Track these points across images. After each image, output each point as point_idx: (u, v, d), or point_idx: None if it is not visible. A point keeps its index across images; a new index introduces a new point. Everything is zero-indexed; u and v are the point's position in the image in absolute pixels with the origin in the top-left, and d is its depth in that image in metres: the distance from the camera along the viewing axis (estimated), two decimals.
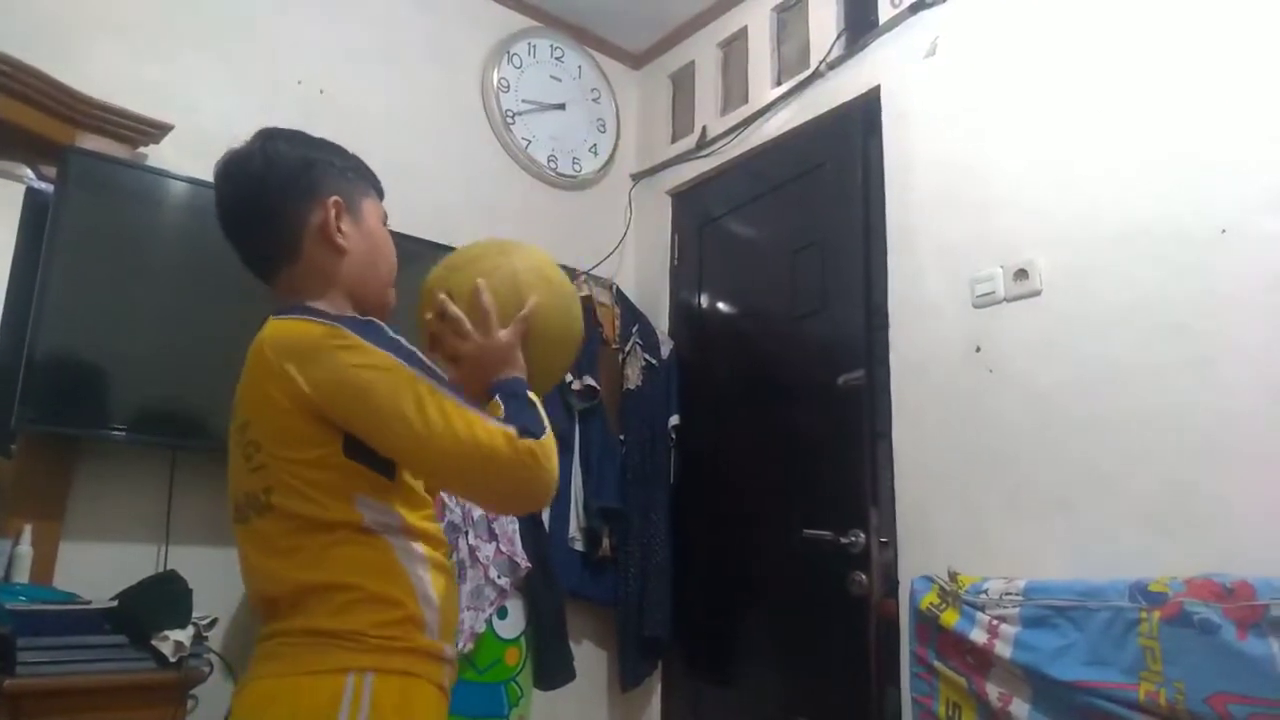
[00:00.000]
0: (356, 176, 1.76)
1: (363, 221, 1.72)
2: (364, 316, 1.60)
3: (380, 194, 1.81)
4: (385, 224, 1.79)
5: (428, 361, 1.52)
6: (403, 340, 1.53)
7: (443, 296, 1.69)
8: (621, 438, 3.98)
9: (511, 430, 1.45)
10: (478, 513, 3.12)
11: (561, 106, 4.43)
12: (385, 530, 1.53)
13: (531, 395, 1.61)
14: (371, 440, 1.48)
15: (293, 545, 1.49)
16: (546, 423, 1.53)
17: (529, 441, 1.45)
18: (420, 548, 1.58)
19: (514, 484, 1.48)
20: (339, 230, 1.66)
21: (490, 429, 1.44)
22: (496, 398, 1.59)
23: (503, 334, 1.67)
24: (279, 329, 1.53)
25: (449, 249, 3.53)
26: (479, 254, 1.79)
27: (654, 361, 4.02)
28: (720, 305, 4.12)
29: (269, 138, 1.70)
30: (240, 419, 1.57)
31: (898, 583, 3.01)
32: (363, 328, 1.53)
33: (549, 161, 4.31)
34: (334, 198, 1.67)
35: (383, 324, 1.57)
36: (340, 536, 1.49)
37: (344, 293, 1.67)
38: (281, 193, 1.64)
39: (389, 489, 1.55)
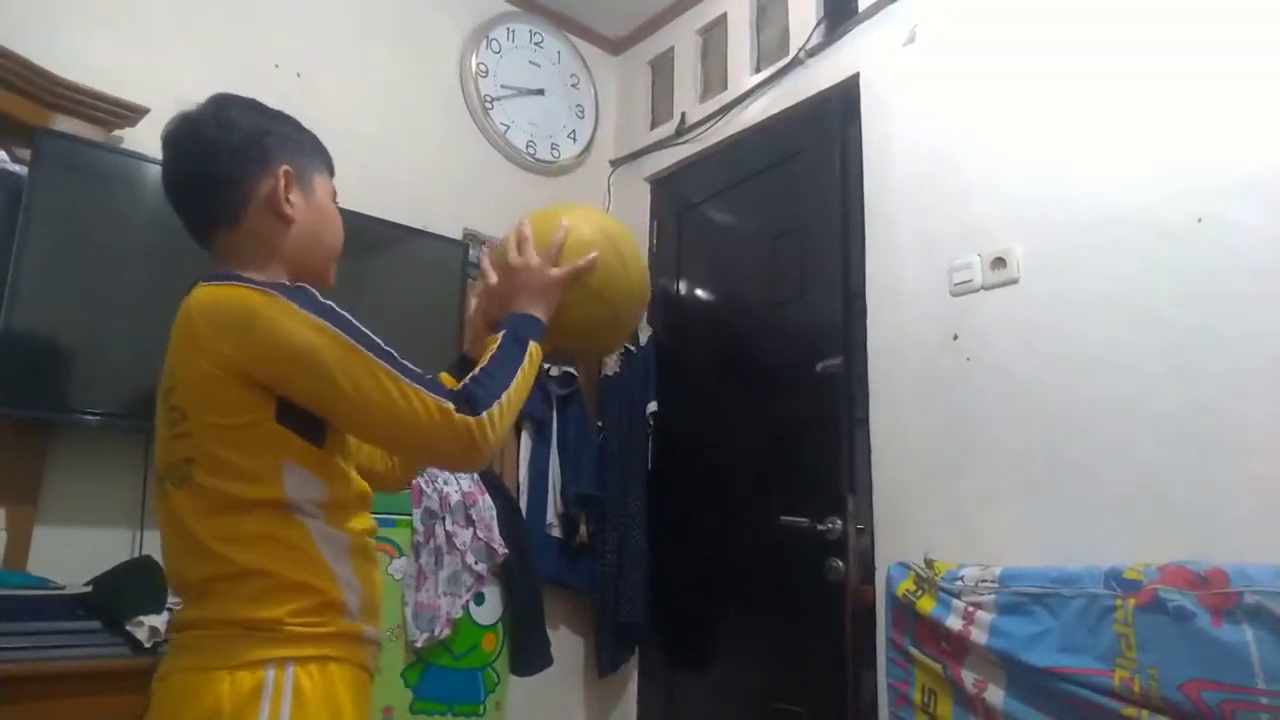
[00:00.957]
0: (310, 150, 1.75)
1: (312, 194, 1.71)
2: (298, 284, 1.57)
3: (331, 171, 1.81)
4: (335, 201, 1.79)
5: (362, 328, 1.51)
6: (335, 306, 1.52)
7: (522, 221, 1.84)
8: (599, 424, 3.98)
9: (449, 405, 1.47)
10: (455, 499, 3.12)
11: (540, 92, 4.41)
12: (304, 510, 1.51)
13: (531, 345, 1.66)
14: (308, 403, 1.49)
15: (209, 524, 1.47)
16: (510, 384, 1.57)
17: (465, 418, 1.47)
18: (338, 532, 1.56)
19: (445, 456, 1.55)
20: (287, 200, 1.65)
21: (427, 403, 1.46)
22: (501, 332, 1.66)
23: (550, 269, 1.76)
24: (208, 296, 1.52)
25: (426, 234, 3.57)
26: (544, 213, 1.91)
27: (632, 348, 4.01)
28: (699, 292, 4.11)
29: (223, 104, 1.69)
30: (166, 385, 1.56)
31: (874, 569, 3.01)
32: (294, 293, 1.51)
33: (528, 147, 4.29)
34: (284, 167, 1.65)
35: (314, 290, 1.55)
36: (258, 517, 1.48)
37: (283, 263, 1.66)
38: (231, 159, 1.62)
39: (318, 458, 1.54)
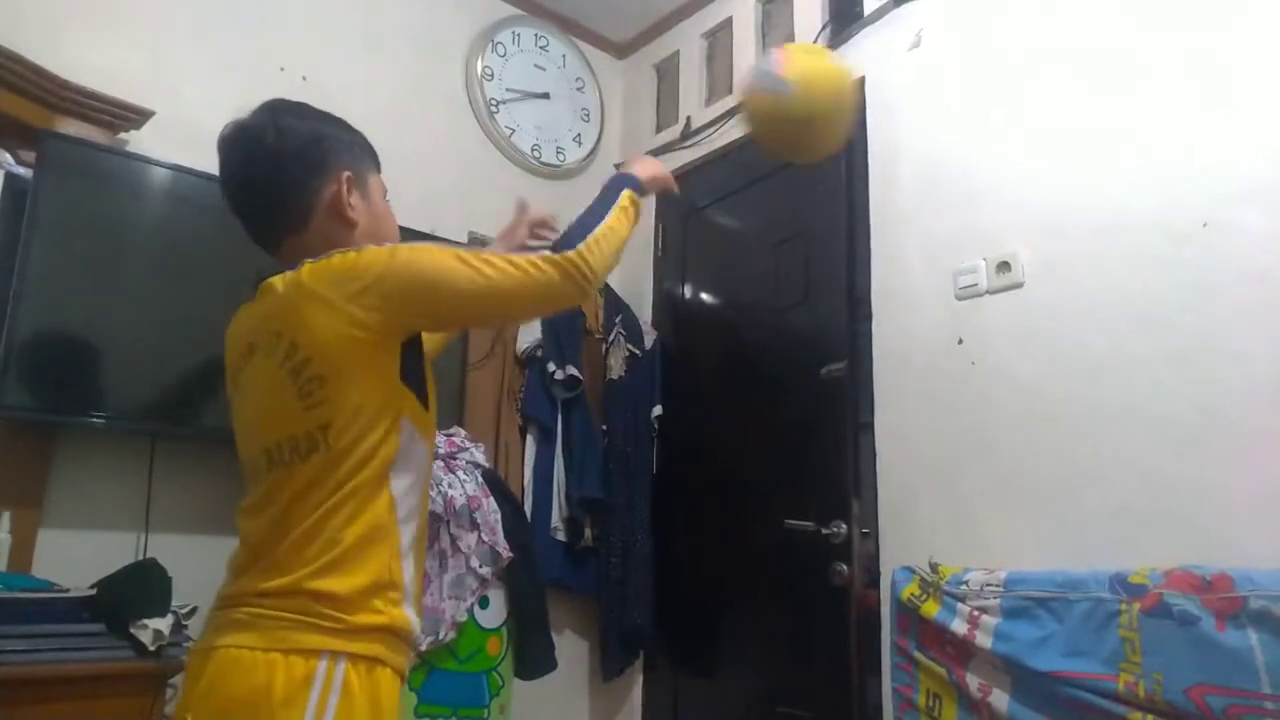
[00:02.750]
0: (361, 151, 1.81)
1: (369, 195, 1.78)
2: None
3: (380, 169, 1.87)
4: (386, 198, 1.86)
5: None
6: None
7: None
8: (604, 428, 3.97)
9: (547, 253, 1.64)
10: (460, 502, 3.11)
11: (546, 96, 4.42)
12: (400, 485, 1.61)
13: (625, 192, 1.84)
14: (441, 312, 1.66)
15: (325, 490, 1.53)
16: (601, 222, 1.74)
17: (561, 256, 1.63)
18: (414, 521, 1.66)
19: (563, 295, 1.67)
20: (349, 204, 1.71)
21: (519, 260, 1.61)
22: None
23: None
24: (319, 268, 1.59)
25: (431, 237, 3.57)
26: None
27: (637, 352, 4.01)
28: (704, 296, 4.11)
29: (278, 111, 1.73)
30: (301, 356, 1.56)
31: (879, 573, 3.01)
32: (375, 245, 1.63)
33: (533, 151, 4.30)
34: (346, 172, 1.72)
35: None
36: (365, 490, 1.55)
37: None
38: (295, 166, 1.68)
39: (423, 418, 1.66)
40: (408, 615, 1.60)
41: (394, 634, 1.57)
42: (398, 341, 1.60)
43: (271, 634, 1.46)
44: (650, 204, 4.33)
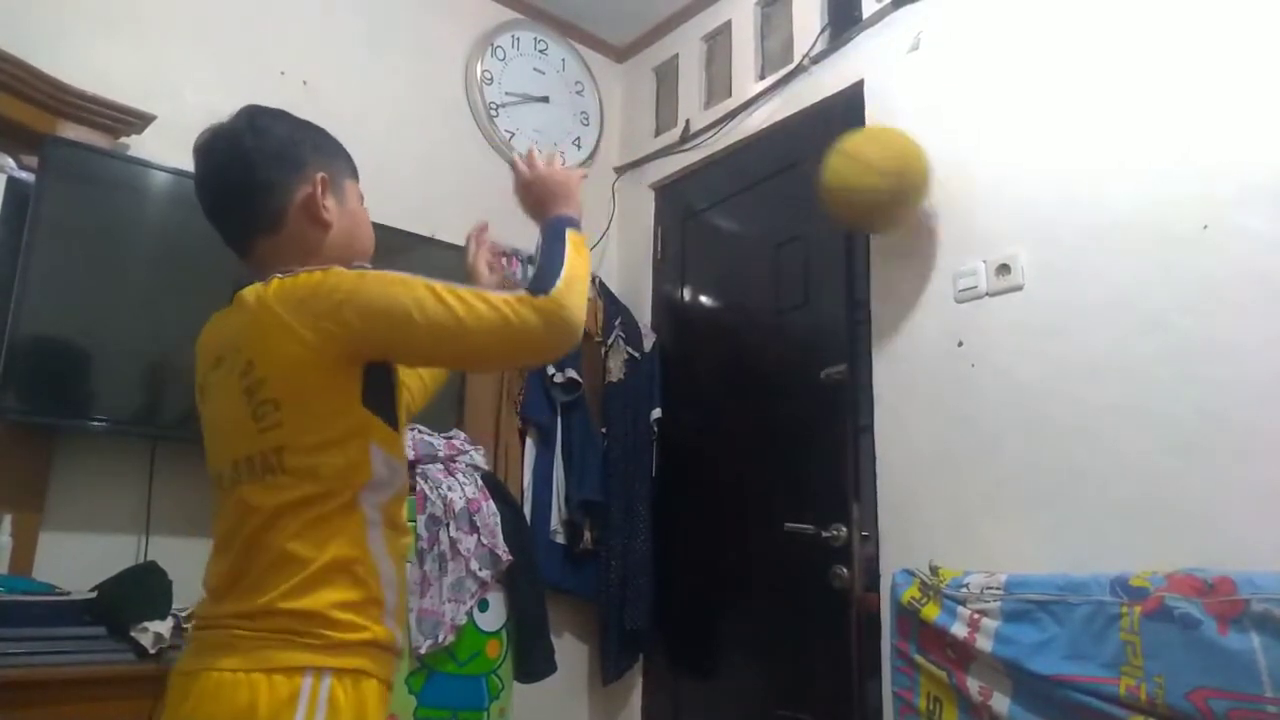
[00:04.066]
0: (339, 157, 1.81)
1: (345, 199, 1.77)
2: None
3: (357, 176, 1.85)
4: (363, 204, 1.84)
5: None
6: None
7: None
8: (604, 431, 3.97)
9: (522, 294, 1.54)
10: (459, 505, 3.11)
11: (545, 99, 4.42)
12: (369, 503, 1.57)
13: (568, 232, 1.73)
14: (407, 349, 1.59)
15: (287, 513, 1.51)
16: (564, 262, 1.63)
17: (538, 299, 1.54)
18: (392, 532, 1.63)
19: (541, 342, 1.58)
20: (323, 205, 1.70)
21: (495, 299, 1.53)
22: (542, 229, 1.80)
23: (559, 171, 1.91)
24: (284, 286, 1.56)
25: (431, 241, 3.57)
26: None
27: (636, 354, 4.01)
28: (703, 299, 4.12)
29: (255, 114, 1.74)
30: (249, 380, 1.56)
31: (879, 576, 3.01)
32: (354, 268, 1.59)
33: None
34: (320, 173, 1.71)
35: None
36: (331, 508, 1.53)
37: (321, 265, 1.67)
38: (269, 166, 1.68)
39: (395, 442, 1.63)
40: (389, 630, 1.59)
41: (377, 647, 1.56)
42: (359, 366, 1.58)
43: (253, 655, 1.45)
44: (649, 206, 4.35)
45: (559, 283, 1.57)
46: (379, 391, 1.60)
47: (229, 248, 1.74)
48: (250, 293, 1.59)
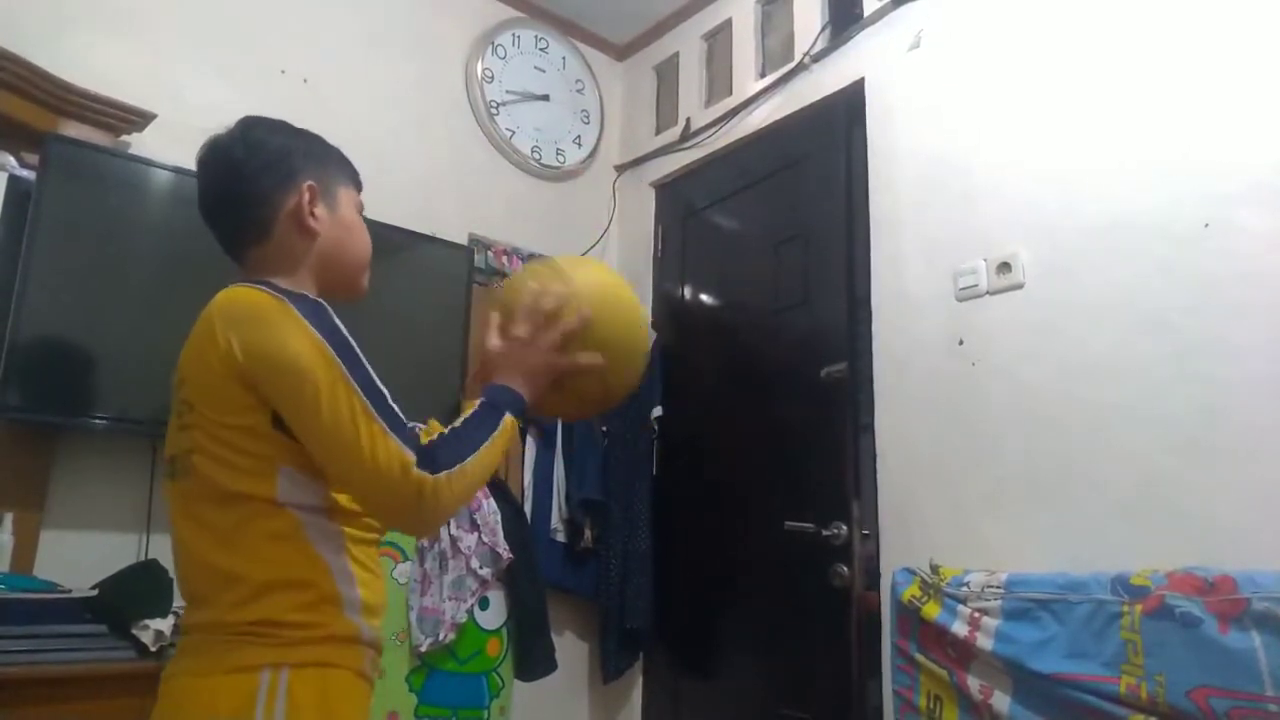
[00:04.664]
0: (335, 166, 1.79)
1: (337, 209, 1.75)
2: (316, 298, 1.60)
3: (358, 186, 1.84)
4: (361, 213, 1.82)
5: (361, 357, 1.51)
6: (342, 328, 1.53)
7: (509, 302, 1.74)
8: (604, 429, 3.98)
9: (410, 458, 1.43)
10: None
11: (545, 98, 4.42)
12: (299, 507, 1.52)
13: (506, 418, 1.59)
14: (286, 419, 1.48)
15: (206, 515, 1.50)
16: (475, 451, 1.52)
17: (420, 475, 1.42)
18: (335, 525, 1.56)
19: (391, 510, 1.48)
20: (311, 214, 1.69)
21: (390, 450, 1.42)
22: (479, 400, 1.62)
23: (545, 351, 1.68)
24: (230, 296, 1.55)
25: (432, 240, 3.58)
26: (543, 268, 1.79)
27: None
28: (703, 297, 4.11)
29: (250, 125, 1.73)
30: (178, 376, 1.59)
31: (879, 575, 3.01)
32: (310, 307, 1.53)
33: (533, 153, 4.30)
34: (308, 183, 1.70)
35: (329, 309, 1.57)
36: (251, 511, 1.49)
37: (311, 275, 1.70)
38: (258, 177, 1.67)
39: (315, 466, 1.52)
40: (353, 622, 1.54)
41: (339, 641, 1.53)
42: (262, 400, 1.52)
43: (212, 657, 1.46)
44: (650, 205, 4.36)
45: (456, 468, 1.47)
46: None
47: (226, 255, 1.74)
48: (215, 299, 1.58)
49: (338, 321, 1.54)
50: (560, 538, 3.80)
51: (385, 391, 1.49)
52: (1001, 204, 2.89)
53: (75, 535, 2.82)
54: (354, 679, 1.55)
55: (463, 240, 3.85)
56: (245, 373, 1.47)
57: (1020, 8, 2.95)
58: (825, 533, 3.18)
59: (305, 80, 3.57)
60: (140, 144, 3.05)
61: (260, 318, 1.50)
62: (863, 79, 3.41)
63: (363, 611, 1.57)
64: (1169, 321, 2.46)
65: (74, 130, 2.87)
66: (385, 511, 1.51)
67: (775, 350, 3.64)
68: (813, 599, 3.23)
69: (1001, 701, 2.47)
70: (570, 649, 3.93)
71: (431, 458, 1.46)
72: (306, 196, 1.69)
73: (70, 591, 2.42)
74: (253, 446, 1.50)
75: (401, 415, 1.49)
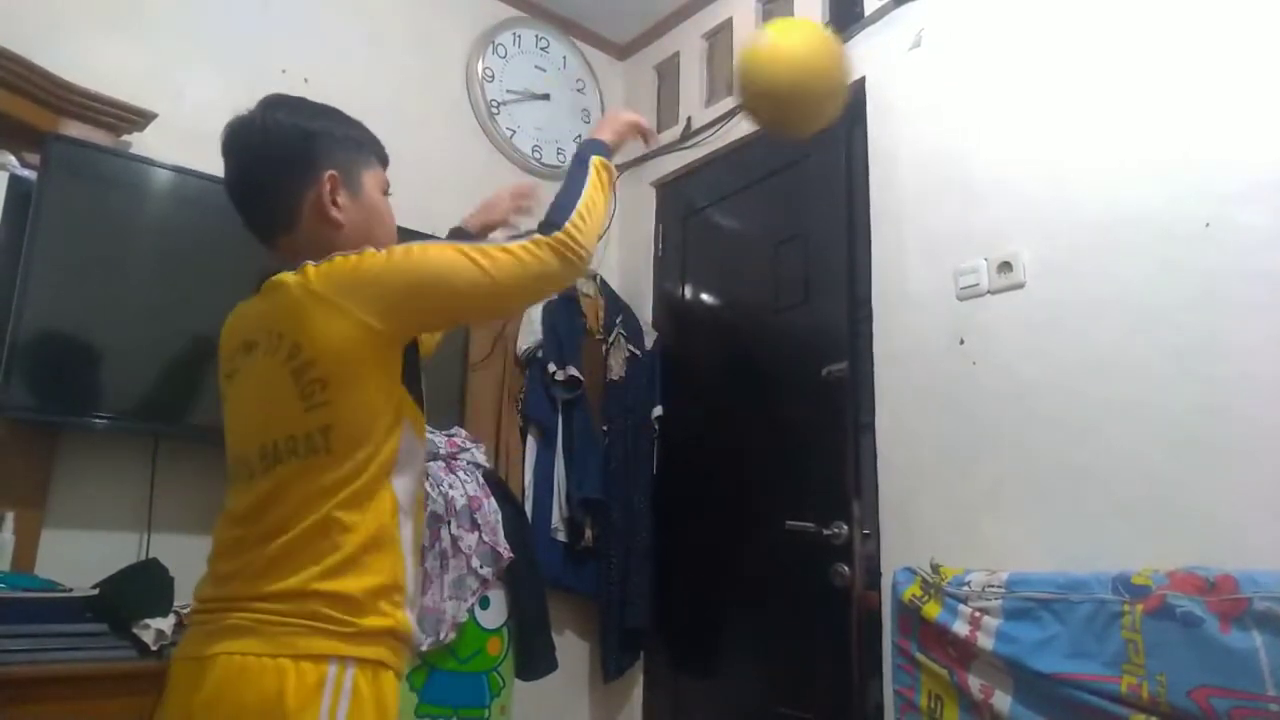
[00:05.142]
0: (357, 146, 1.81)
1: (361, 193, 1.77)
2: None
3: (384, 161, 1.88)
4: (387, 193, 1.86)
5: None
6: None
7: None
8: (605, 428, 3.97)
9: (536, 237, 1.68)
10: (460, 503, 3.11)
11: (546, 97, 4.42)
12: (401, 475, 1.62)
13: (594, 160, 1.89)
14: (449, 313, 1.74)
15: (331, 491, 1.54)
16: (580, 196, 1.79)
17: (554, 237, 1.68)
18: (410, 522, 1.66)
19: (557, 276, 1.72)
20: (334, 204, 1.71)
21: (525, 246, 1.66)
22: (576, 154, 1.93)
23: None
24: (325, 270, 1.59)
25: (432, 238, 3.56)
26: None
27: (637, 352, 4.02)
28: (704, 296, 4.12)
29: (270, 106, 1.75)
30: (295, 361, 1.57)
31: (880, 574, 3.01)
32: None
33: (533, 152, 4.30)
34: (330, 172, 1.71)
35: None
36: (371, 487, 1.56)
37: (355, 250, 1.70)
38: (276, 167, 1.70)
39: (421, 421, 1.70)
40: (409, 618, 1.61)
41: (396, 637, 1.58)
42: (403, 345, 1.62)
43: (279, 640, 1.45)
44: (650, 204, 4.35)
45: (573, 215, 1.72)
46: (414, 369, 1.67)
47: (255, 237, 1.78)
48: (288, 278, 1.60)
49: None
50: (561, 537, 3.79)
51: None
52: (1002, 203, 2.89)
53: (76, 534, 2.82)
54: (398, 681, 1.60)
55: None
56: (392, 316, 1.57)
57: (1021, 7, 2.95)
58: (826, 532, 3.19)
59: (305, 80, 3.56)
60: (141, 143, 3.05)
61: (363, 270, 1.59)
62: (863, 78, 3.40)
63: (413, 605, 1.64)
64: (1170, 320, 2.46)
65: (75, 130, 2.87)
66: (548, 287, 1.77)
67: (776, 350, 3.64)
68: (813, 599, 3.23)
69: (1002, 701, 2.47)
70: (571, 648, 3.93)
71: (548, 223, 1.72)
72: (328, 187, 1.70)
73: (71, 590, 2.42)
74: (388, 405, 1.60)
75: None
